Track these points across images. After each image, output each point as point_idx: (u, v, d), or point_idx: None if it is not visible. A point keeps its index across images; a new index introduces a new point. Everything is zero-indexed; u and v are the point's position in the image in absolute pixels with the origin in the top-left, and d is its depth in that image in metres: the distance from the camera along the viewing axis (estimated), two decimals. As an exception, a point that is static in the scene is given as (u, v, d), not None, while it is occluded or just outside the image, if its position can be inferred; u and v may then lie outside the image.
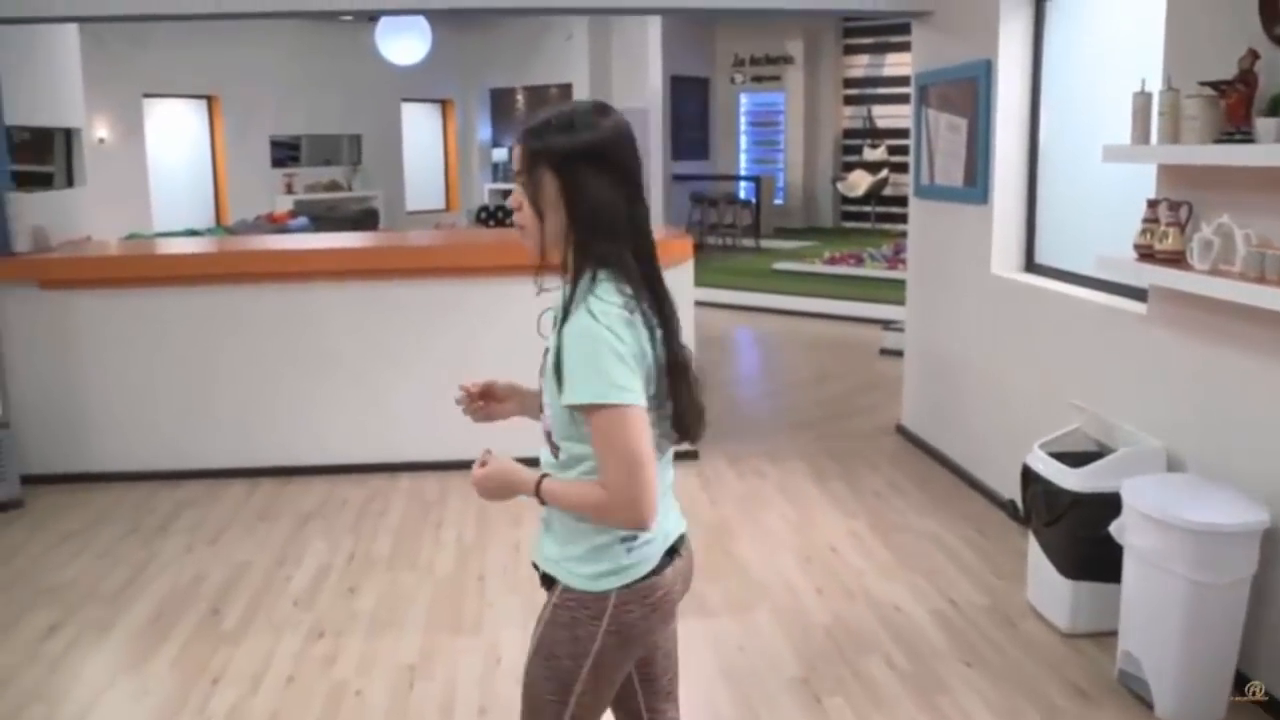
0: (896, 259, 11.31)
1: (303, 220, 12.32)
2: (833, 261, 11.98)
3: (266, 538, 4.81)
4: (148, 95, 13.34)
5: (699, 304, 5.83)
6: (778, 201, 16.55)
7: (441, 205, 17.35)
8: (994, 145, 5.03)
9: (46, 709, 3.41)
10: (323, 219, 13.07)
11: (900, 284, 7.59)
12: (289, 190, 14.82)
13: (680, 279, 5.61)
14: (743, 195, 15.93)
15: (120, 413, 5.62)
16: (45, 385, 5.55)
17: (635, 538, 1.91)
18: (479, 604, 4.09)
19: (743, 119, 17.06)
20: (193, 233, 10.39)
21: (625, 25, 15.42)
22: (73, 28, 7.69)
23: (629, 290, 1.84)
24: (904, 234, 6.89)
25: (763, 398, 7.55)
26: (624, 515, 1.82)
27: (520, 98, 17.49)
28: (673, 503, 2.06)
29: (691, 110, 16.24)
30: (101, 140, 12.33)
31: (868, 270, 11.41)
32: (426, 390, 5.60)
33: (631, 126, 1.93)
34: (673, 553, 2.00)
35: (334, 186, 15.60)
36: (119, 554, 4.66)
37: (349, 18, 12.53)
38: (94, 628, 3.97)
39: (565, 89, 16.52)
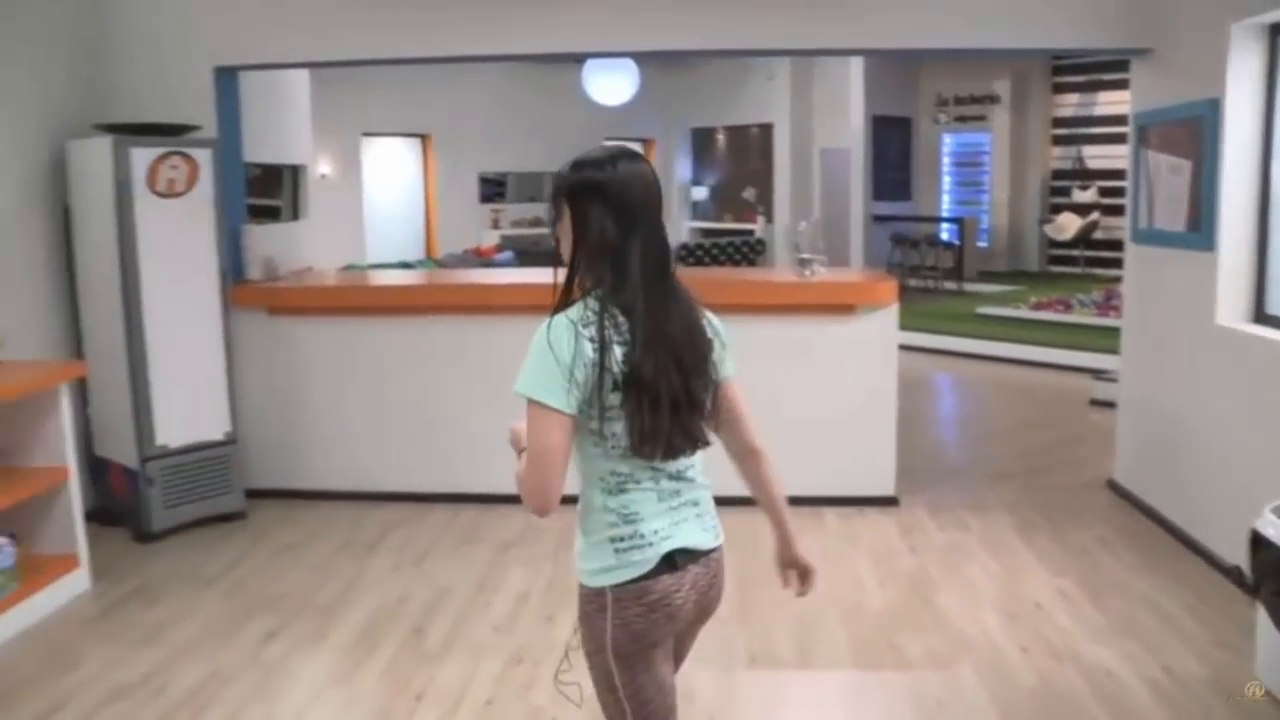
0: (1108, 305, 10.88)
1: (508, 254, 12.74)
2: (1039, 307, 11.61)
3: (468, 562, 4.98)
4: (366, 134, 14.10)
5: (900, 348, 5.75)
6: (981, 244, 16.15)
7: (642, 242, 17.66)
8: (1220, 188, 4.81)
9: (264, 710, 3.63)
10: (527, 253, 13.49)
11: (1112, 332, 7.36)
12: (495, 225, 15.37)
13: (884, 322, 5.57)
14: (945, 237, 15.63)
15: (335, 434, 5.94)
16: (269, 405, 5.92)
17: (622, 539, 2.09)
18: (673, 639, 4.13)
19: (946, 159, 16.76)
20: (405, 265, 10.88)
21: (827, 65, 15.42)
22: (304, 72, 8.22)
23: (597, 308, 2.04)
24: (1116, 279, 6.64)
25: (964, 446, 7.38)
26: (528, 499, 2.06)
27: (721, 137, 17.69)
28: (695, 517, 2.18)
29: (893, 150, 16.06)
30: (323, 176, 13.08)
31: (1077, 317, 11.00)
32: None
33: (647, 173, 2.16)
34: (673, 565, 2.10)
35: (538, 222, 16.09)
36: (331, 569, 4.92)
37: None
38: (308, 637, 4.19)
39: (766, 129, 16.61)
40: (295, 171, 8.54)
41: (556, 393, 2.00)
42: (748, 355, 5.55)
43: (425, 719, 3.56)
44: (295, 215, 8.55)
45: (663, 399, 2.03)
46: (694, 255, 14.93)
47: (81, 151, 5.29)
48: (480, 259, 12.50)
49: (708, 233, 17.11)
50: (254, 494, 5.78)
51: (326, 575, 4.84)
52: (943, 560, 4.94)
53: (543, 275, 7.16)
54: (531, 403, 2.02)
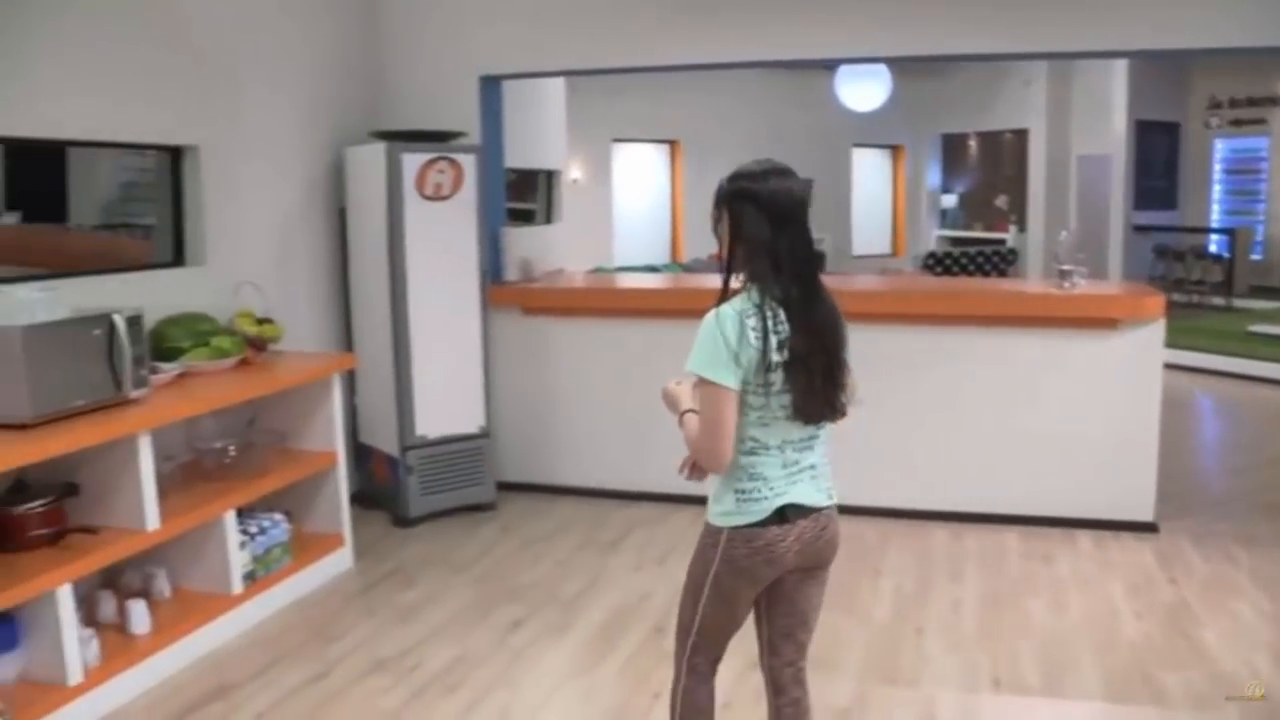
0: (1405, 327, 9.93)
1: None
2: (1322, 326, 10.71)
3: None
4: (616, 140, 14.40)
5: (1163, 366, 5.42)
6: (1255, 257, 15.02)
7: (888, 250, 17.34)
8: None
9: (508, 695, 3.76)
10: (770, 259, 13.45)
11: None
12: (738, 231, 15.42)
13: (1149, 338, 5.27)
14: (1214, 249, 14.64)
15: (582, 432, 6.09)
16: (521, 402, 6.13)
17: (744, 492, 2.51)
18: (916, 658, 4.03)
19: (1217, 166, 15.68)
20: (651, 268, 11.06)
21: (1088, 68, 14.68)
22: (560, 80, 8.47)
23: (757, 300, 2.42)
24: None
25: (1233, 473, 6.87)
26: (703, 459, 2.52)
27: (973, 143, 17.15)
28: (809, 479, 2.55)
29: (1158, 157, 15.15)
30: (575, 181, 13.44)
31: (1367, 338, 10.10)
32: (864, 435, 5.61)
33: (794, 186, 2.53)
34: (783, 518, 2.49)
35: (780, 229, 16.05)
36: (576, 563, 5.05)
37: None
38: (551, 628, 4.32)
39: (1020, 135, 15.99)
40: (550, 176, 8.83)
41: (725, 373, 2.39)
42: (1001, 367, 5.39)
43: (661, 717, 3.60)
44: (549, 219, 8.84)
45: (815, 375, 2.43)
46: (942, 264, 14.53)
47: (358, 156, 5.62)
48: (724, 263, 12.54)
49: (956, 241, 16.62)
50: (504, 486, 6.01)
51: (571, 569, 4.97)
52: (1206, 594, 4.61)
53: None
54: (703, 380, 2.41)
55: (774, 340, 2.39)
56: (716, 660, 2.74)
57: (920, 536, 5.33)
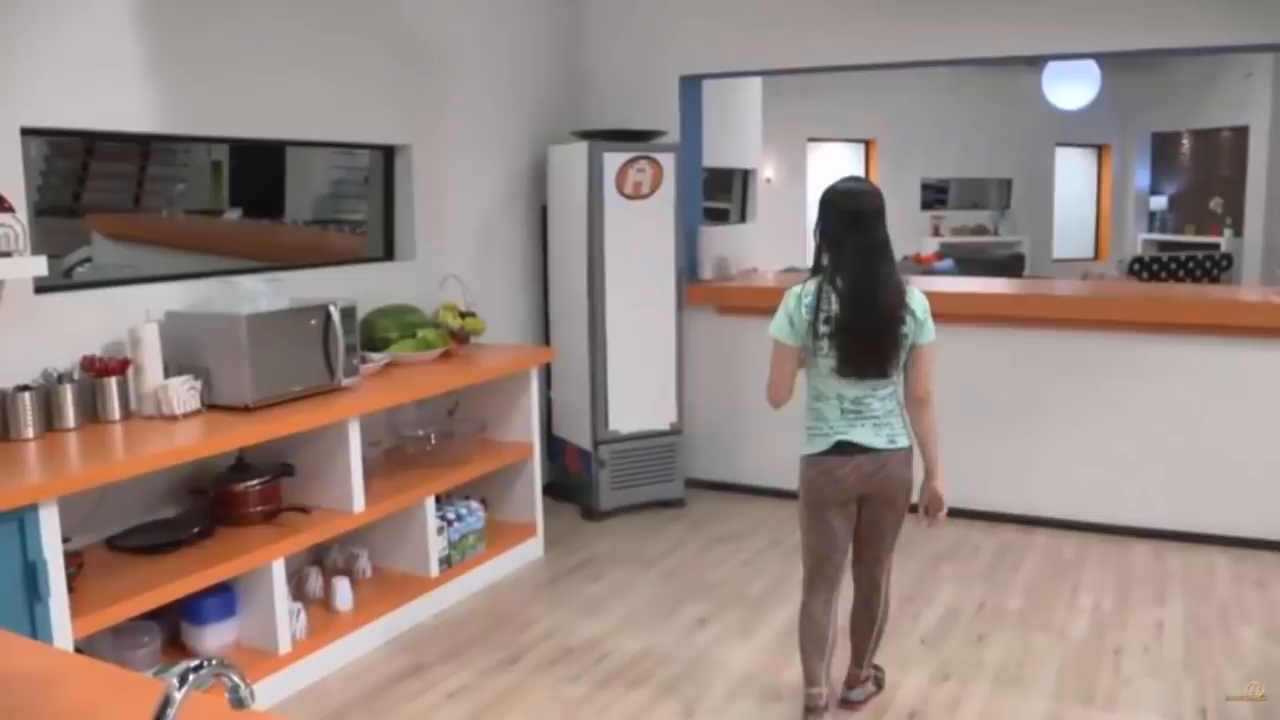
0: None
1: (948, 262, 12.42)
2: None
3: (900, 572, 4.83)
4: (811, 139, 14.27)
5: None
6: None
7: (1090, 254, 16.63)
8: None
9: (693, 691, 3.76)
10: (968, 261, 13.08)
11: None
12: (936, 232, 15.04)
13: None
14: None
15: (771, 433, 6.01)
16: (712, 400, 6.13)
17: (812, 429, 3.28)
18: (1113, 679, 3.83)
19: None
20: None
21: (1321, 60, 13.71)
22: (757, 80, 8.44)
23: (820, 283, 3.18)
24: None
25: None
26: (768, 395, 3.35)
27: (1186, 142, 16.24)
28: (871, 425, 3.22)
29: (1396, 156, 14.01)
30: (768, 180, 13.38)
31: None
32: (1070, 445, 5.38)
33: (866, 198, 3.25)
34: (841, 450, 3.20)
35: (980, 230, 15.58)
36: (762, 564, 5.01)
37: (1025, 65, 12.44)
38: (737, 627, 4.30)
39: (1239, 132, 15.03)
40: (745, 176, 8.81)
41: (781, 332, 3.25)
42: (1214, 379, 5.08)
43: (848, 724, 3.54)
44: (743, 218, 8.82)
45: (857, 345, 3.13)
46: (1148, 269, 13.81)
47: (560, 155, 5.72)
48: (920, 266, 12.27)
49: (1165, 245, 15.79)
50: (693, 484, 6.02)
51: (758, 570, 4.94)
52: None
53: (986, 285, 6.92)
54: (772, 336, 3.27)
55: (822, 315, 3.14)
56: (828, 581, 3.35)
57: (1120, 554, 5.07)
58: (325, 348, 3.97)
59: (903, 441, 3.26)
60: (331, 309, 3.99)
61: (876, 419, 3.21)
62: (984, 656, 4.02)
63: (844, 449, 3.19)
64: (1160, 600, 4.56)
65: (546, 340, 5.98)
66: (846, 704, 3.61)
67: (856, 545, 3.39)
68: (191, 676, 1.23)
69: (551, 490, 5.80)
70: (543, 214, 5.93)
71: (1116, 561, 4.99)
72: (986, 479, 5.58)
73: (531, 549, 5.07)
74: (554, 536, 5.27)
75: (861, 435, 3.20)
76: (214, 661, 1.25)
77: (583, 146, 5.46)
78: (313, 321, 3.95)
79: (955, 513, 5.47)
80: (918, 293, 3.23)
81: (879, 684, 3.72)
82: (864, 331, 3.11)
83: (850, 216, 3.17)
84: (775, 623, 4.33)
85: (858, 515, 3.30)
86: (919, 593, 4.64)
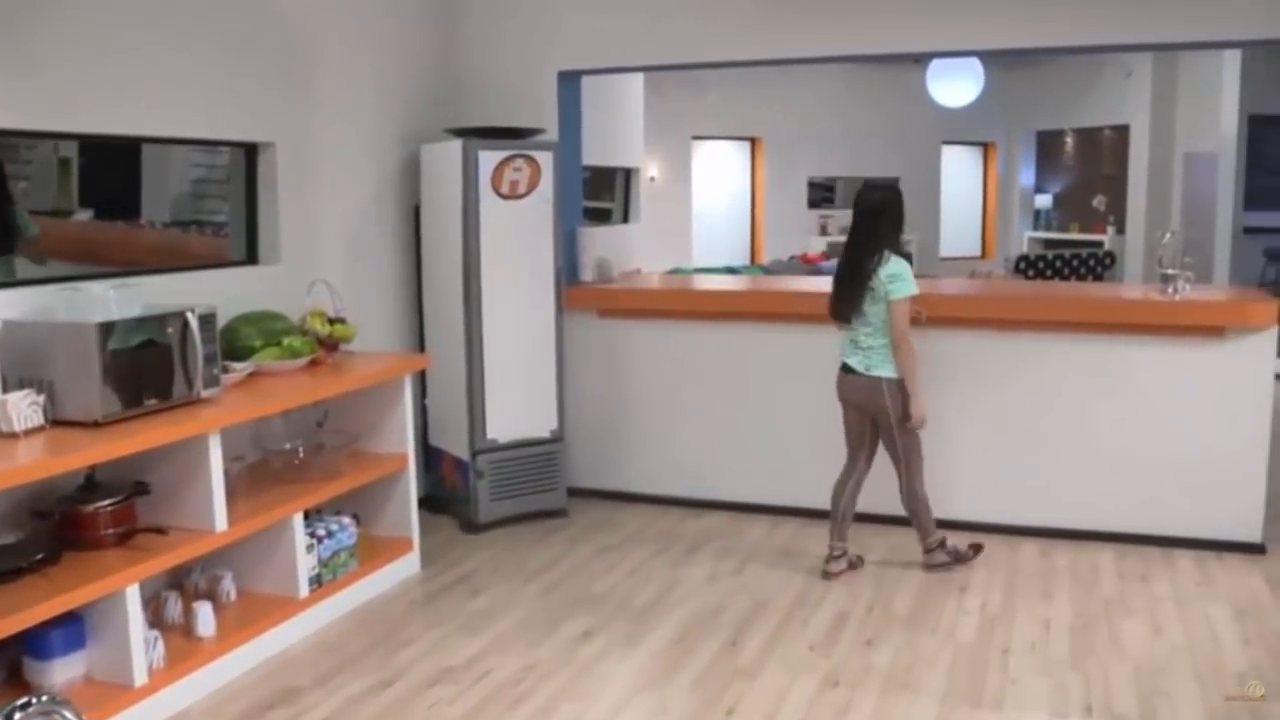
0: None
1: (835, 262, 12.65)
2: None
3: (787, 578, 4.97)
4: (696, 137, 14.39)
5: (1276, 377, 5.26)
6: (1378, 262, 14.55)
7: (977, 252, 17.10)
8: None
9: (577, 708, 3.76)
10: (853, 262, 13.32)
11: None
12: (823, 231, 15.30)
13: (1259, 348, 5.13)
14: (1332, 253, 14.20)
15: (657, 439, 6.09)
16: (595, 406, 6.14)
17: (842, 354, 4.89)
18: (1001, 679, 3.95)
19: (1338, 164, 15.20)
20: (730, 270, 11.03)
21: (1195, 59, 14.32)
22: (639, 76, 8.49)
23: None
24: None
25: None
26: None
27: (1069, 140, 16.82)
28: (859, 353, 4.79)
29: (1272, 154, 14.70)
30: (652, 179, 13.46)
31: None
32: (958, 445, 5.52)
33: (870, 199, 4.87)
34: (843, 369, 4.84)
35: (866, 229, 15.88)
36: (648, 573, 5.04)
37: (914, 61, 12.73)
38: (622, 640, 4.31)
39: (1120, 131, 15.65)
40: (627, 174, 8.85)
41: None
42: (1097, 377, 5.27)
43: (736, 735, 3.58)
44: (625, 218, 8.86)
45: (836, 295, 4.81)
46: (1034, 268, 14.27)
47: (433, 153, 5.68)
48: (807, 265, 12.48)
49: (1050, 244, 16.32)
50: (576, 492, 6.02)
51: (643, 579, 4.96)
52: (1322, 621, 4.47)
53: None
54: None
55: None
56: (848, 463, 5.00)
57: (1008, 552, 5.23)
58: (183, 357, 3.87)
59: (878, 371, 4.71)
60: (189, 316, 3.89)
61: (862, 350, 4.76)
62: (873, 661, 4.10)
63: (844, 368, 4.85)
64: (1047, 598, 4.71)
65: (421, 346, 5.92)
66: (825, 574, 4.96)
67: (870, 442, 4.92)
68: (18, 715, 1.18)
69: (428, 503, 5.75)
70: (416, 215, 5.87)
71: (1004, 560, 5.14)
72: (875, 481, 5.68)
73: (407, 565, 5.01)
74: (431, 551, 5.22)
75: (852, 360, 4.81)
76: (44, 698, 1.21)
77: (457, 144, 5.42)
78: (169, 329, 3.85)
79: (821, 514, 5.63)
80: (893, 262, 4.63)
81: (951, 554, 5.01)
82: (837, 295, 4.80)
83: (856, 213, 4.82)
84: (662, 633, 4.35)
85: (871, 422, 4.85)
86: (807, 598, 4.72)
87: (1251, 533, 5.22)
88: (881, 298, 4.63)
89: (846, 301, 4.74)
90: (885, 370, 4.71)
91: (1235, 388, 5.17)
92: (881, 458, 4.94)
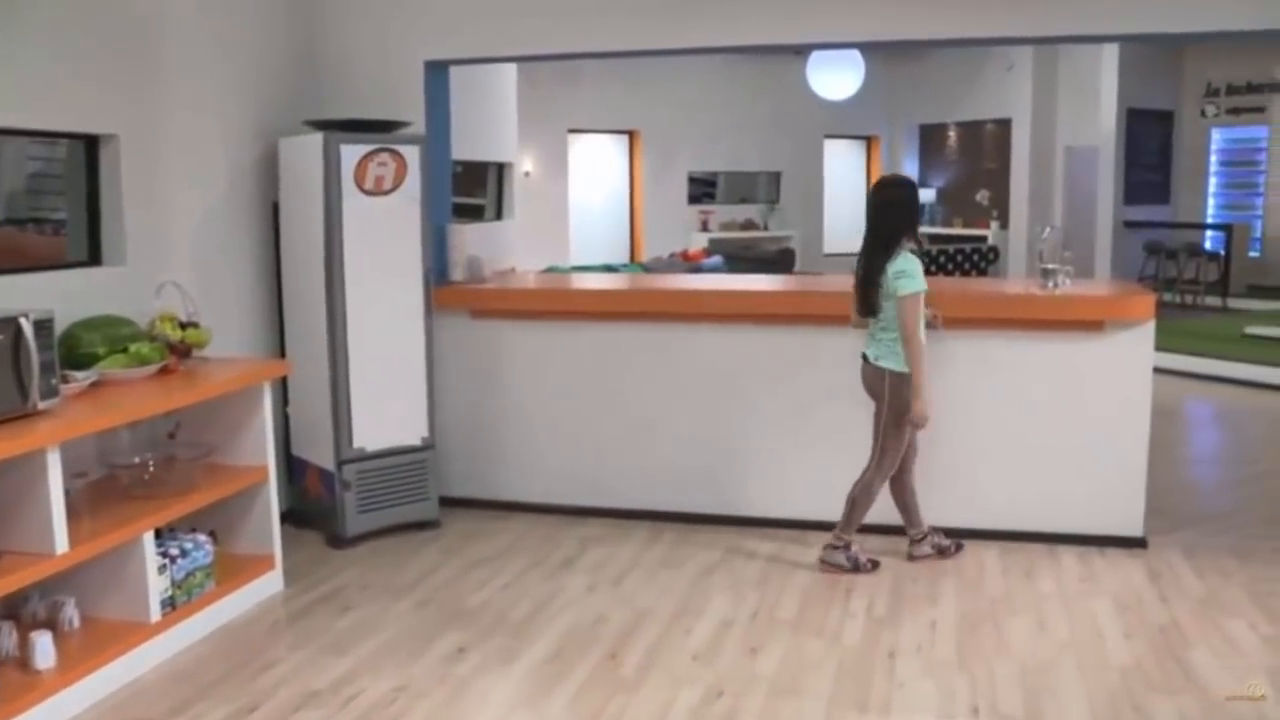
0: (1407, 329, 10.10)
1: (717, 259, 12.78)
2: (1322, 328, 10.87)
3: (669, 585, 5.00)
4: (572, 130, 14.40)
5: (1154, 370, 5.48)
6: (1253, 254, 15.24)
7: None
8: None
9: (454, 731, 3.73)
10: (737, 258, 13.50)
11: None
12: (704, 228, 15.45)
13: (1137, 341, 5.33)
14: (1209, 246, 14.84)
15: (534, 445, 6.07)
16: (468, 412, 6.10)
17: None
18: (888, 682, 4.03)
19: (1213, 157, 15.89)
20: (609, 268, 11.06)
21: (1076, 53, 14.85)
22: (511, 67, 8.45)
23: None
24: None
25: (1229, 485, 6.95)
26: None
27: (952, 134, 17.27)
28: (873, 342, 5.03)
29: (1150, 148, 15.35)
30: (527, 174, 13.43)
31: (1369, 340, 10.26)
32: (843, 446, 5.62)
33: (883, 192, 5.14)
34: (863, 358, 5.08)
35: (750, 225, 16.09)
36: (526, 585, 5.02)
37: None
38: (499, 656, 4.29)
39: (1003, 124, 16.14)
40: (500, 169, 8.80)
41: None
42: (979, 373, 5.43)
43: (618, 750, 3.59)
44: (499, 215, 8.81)
45: (855, 295, 5.04)
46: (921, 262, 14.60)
47: (292, 147, 5.58)
48: (688, 263, 12.59)
49: (935, 238, 16.74)
50: (449, 502, 5.97)
51: (520, 592, 4.95)
52: (1200, 613, 4.66)
53: (754, 283, 7.17)
54: None
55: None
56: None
57: (895, 553, 5.34)
58: (16, 366, 3.73)
59: (883, 362, 4.96)
60: (23, 321, 3.75)
61: (876, 342, 5.00)
62: (757, 668, 4.15)
63: (863, 357, 5.07)
64: (933, 599, 4.83)
65: (282, 351, 5.81)
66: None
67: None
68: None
69: (292, 517, 5.66)
70: (274, 212, 5.76)
71: (890, 561, 5.25)
72: (760, 484, 5.78)
73: (269, 583, 4.91)
74: (295, 568, 5.13)
75: (867, 350, 5.07)
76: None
77: (317, 138, 5.34)
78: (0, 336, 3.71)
79: (729, 520, 5.72)
80: (901, 258, 4.83)
81: (851, 561, 5.11)
82: (857, 289, 5.02)
83: (869, 205, 5.08)
84: (539, 648, 4.34)
85: None
86: (690, 606, 4.76)
87: (1133, 527, 5.42)
88: (890, 294, 4.84)
89: (862, 299, 4.99)
90: (890, 363, 4.94)
91: (1115, 381, 5.37)
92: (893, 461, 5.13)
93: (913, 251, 4.93)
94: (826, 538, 5.20)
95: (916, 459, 5.22)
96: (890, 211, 4.96)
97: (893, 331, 4.90)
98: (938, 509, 5.55)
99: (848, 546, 5.14)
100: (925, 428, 5.02)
